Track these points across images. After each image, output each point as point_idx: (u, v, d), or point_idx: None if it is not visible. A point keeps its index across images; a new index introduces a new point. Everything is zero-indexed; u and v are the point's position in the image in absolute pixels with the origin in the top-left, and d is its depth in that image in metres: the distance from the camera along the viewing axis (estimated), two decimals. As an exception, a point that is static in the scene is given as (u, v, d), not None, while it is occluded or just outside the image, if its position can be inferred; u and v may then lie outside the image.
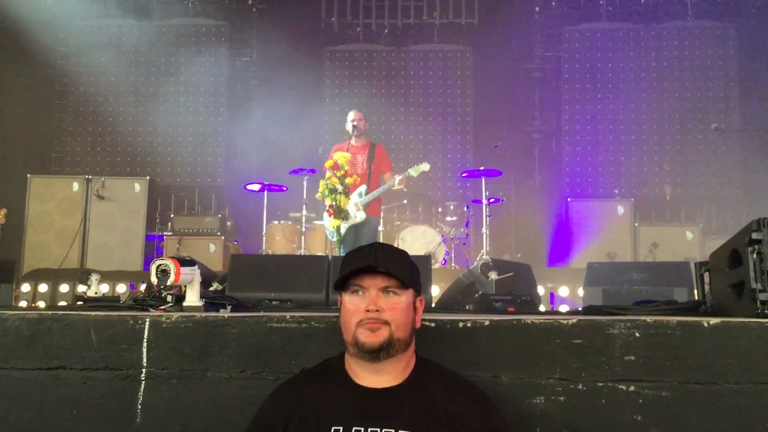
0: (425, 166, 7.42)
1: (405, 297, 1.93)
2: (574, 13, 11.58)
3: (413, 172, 7.39)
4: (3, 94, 10.08)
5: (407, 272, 1.96)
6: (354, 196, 7.12)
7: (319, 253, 8.84)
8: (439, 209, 9.94)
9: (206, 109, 11.18)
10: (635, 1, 11.47)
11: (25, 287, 7.84)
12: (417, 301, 2.00)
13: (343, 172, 6.76)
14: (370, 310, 1.87)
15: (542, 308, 5.88)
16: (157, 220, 10.01)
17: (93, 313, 2.36)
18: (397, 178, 7.29)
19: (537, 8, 11.73)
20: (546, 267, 9.66)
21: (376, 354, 1.86)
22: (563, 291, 7.65)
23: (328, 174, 6.91)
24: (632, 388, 2.06)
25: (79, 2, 11.32)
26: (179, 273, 2.58)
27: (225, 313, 2.59)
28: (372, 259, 1.91)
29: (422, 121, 11.39)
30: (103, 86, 11.11)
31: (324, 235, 8.13)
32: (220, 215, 10.14)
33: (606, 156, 10.88)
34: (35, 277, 8.04)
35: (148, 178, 9.58)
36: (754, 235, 2.18)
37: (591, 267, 5.59)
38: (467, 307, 4.39)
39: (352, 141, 7.47)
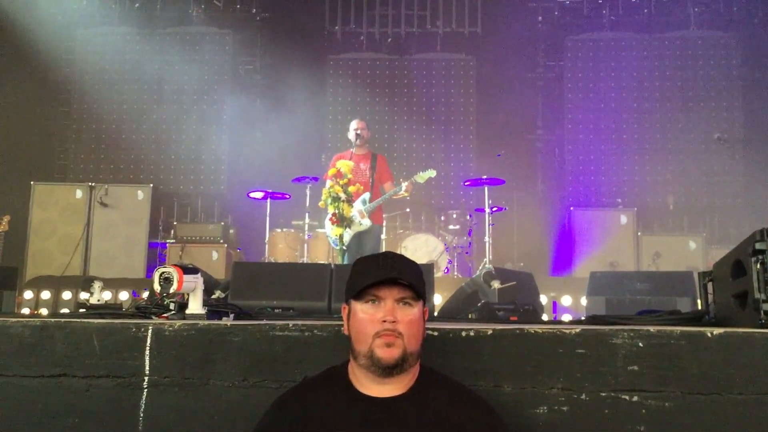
0: (432, 173, 7.41)
1: (417, 308, 1.94)
2: (577, 22, 11.60)
3: (419, 178, 7.37)
4: (7, 101, 10.12)
5: (421, 283, 1.97)
6: (358, 204, 7.12)
7: (322, 261, 8.84)
8: (442, 218, 9.94)
9: (209, 117, 11.20)
10: (638, 11, 11.49)
11: (28, 294, 7.84)
12: (423, 311, 2.00)
13: (346, 180, 6.77)
14: (387, 320, 1.87)
15: (545, 317, 5.87)
16: (160, 228, 10.02)
17: (96, 320, 2.36)
18: (404, 184, 7.28)
19: (540, 18, 11.75)
20: (549, 276, 9.66)
21: (390, 371, 1.86)
22: (566, 300, 7.64)
23: (330, 182, 6.91)
24: (635, 398, 2.05)
25: (83, 10, 11.39)
26: (182, 281, 2.58)
27: (227, 321, 2.59)
28: (395, 271, 1.92)
29: (425, 129, 11.40)
30: (106, 94, 11.14)
31: (327, 243, 8.14)
32: (222, 223, 10.15)
33: (609, 165, 10.88)
34: (38, 284, 8.04)
35: (151, 185, 9.60)
36: (758, 245, 2.17)
37: (594, 276, 5.58)
38: (470, 316, 4.38)
39: (354, 150, 7.48)
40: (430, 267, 4.88)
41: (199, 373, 2.23)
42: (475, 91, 11.60)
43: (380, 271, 1.92)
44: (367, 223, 7.20)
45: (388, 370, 1.86)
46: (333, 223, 6.91)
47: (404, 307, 1.91)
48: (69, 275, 8.66)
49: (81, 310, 3.53)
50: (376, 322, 1.88)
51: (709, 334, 2.06)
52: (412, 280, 1.92)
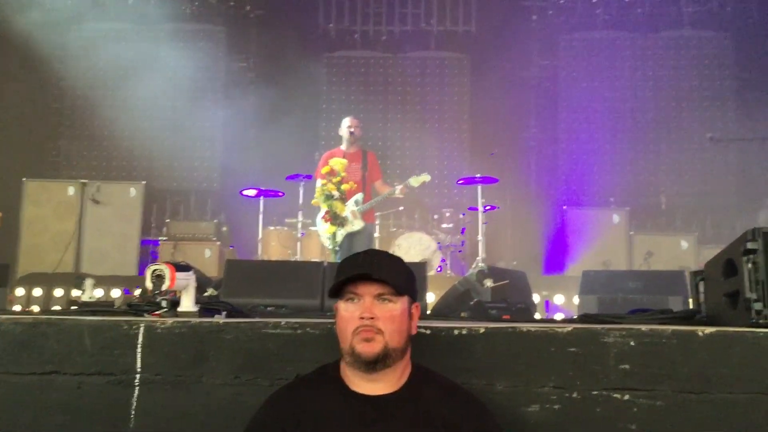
0: (426, 177, 7.34)
1: (400, 304, 1.93)
2: (571, 21, 11.62)
3: (414, 182, 7.32)
4: (-1, 97, 10.07)
5: (402, 279, 1.96)
6: (350, 204, 7.11)
7: (315, 260, 8.83)
8: (435, 216, 9.94)
9: (203, 114, 11.15)
10: (632, 10, 11.52)
11: (20, 291, 7.82)
12: (412, 308, 2.00)
13: (339, 178, 6.76)
14: (364, 317, 1.87)
15: (537, 316, 5.88)
16: (153, 225, 9.99)
17: (87, 317, 2.35)
18: (398, 188, 7.27)
19: (534, 16, 11.76)
20: (541, 275, 9.67)
21: (372, 366, 1.87)
22: (558, 299, 7.66)
23: (323, 180, 6.90)
24: (627, 396, 2.06)
25: (76, 6, 11.33)
26: (174, 278, 2.58)
27: (220, 318, 2.59)
28: (366, 267, 1.92)
29: (419, 127, 11.40)
30: (99, 90, 11.10)
31: (320, 242, 8.13)
32: (215, 220, 10.12)
33: (602, 164, 10.90)
34: (30, 281, 8.02)
35: (143, 182, 9.57)
36: (749, 245, 2.18)
37: (586, 275, 5.61)
38: (462, 315, 4.38)
39: (344, 147, 7.46)
40: (422, 265, 4.89)
41: (191, 371, 2.23)
42: (468, 90, 11.61)
43: (356, 269, 1.92)
44: (359, 224, 7.19)
45: (370, 365, 1.87)
46: (326, 221, 6.90)
47: (384, 303, 1.91)
48: (61, 272, 8.62)
49: (73, 308, 3.53)
50: (355, 320, 1.89)
51: (700, 333, 2.07)
52: (388, 275, 1.91)
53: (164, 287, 2.57)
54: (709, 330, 2.07)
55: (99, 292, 7.52)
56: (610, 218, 9.55)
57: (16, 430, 2.23)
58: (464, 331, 2.18)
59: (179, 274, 2.61)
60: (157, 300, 2.70)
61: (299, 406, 1.91)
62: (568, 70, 11.33)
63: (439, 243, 9.28)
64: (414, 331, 2.01)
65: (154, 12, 11.54)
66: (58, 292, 7.84)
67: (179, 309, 2.66)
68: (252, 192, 8.74)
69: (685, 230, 9.92)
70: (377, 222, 8.65)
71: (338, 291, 1.95)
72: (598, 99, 11.13)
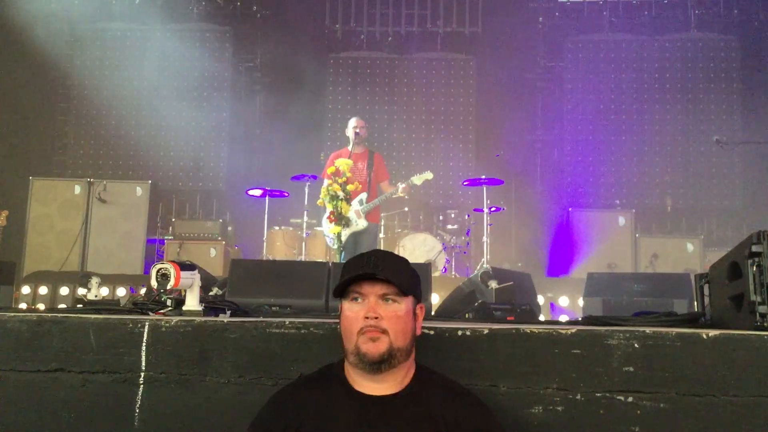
0: (428, 175, 7.40)
1: (404, 304, 1.93)
2: (578, 24, 11.62)
3: (416, 180, 7.37)
4: (6, 96, 10.10)
5: (406, 279, 1.95)
6: (355, 204, 7.11)
7: (320, 260, 8.84)
8: (440, 217, 9.95)
9: (209, 114, 11.20)
10: (638, 12, 11.51)
11: (26, 289, 7.84)
12: (417, 308, 2.00)
13: (344, 179, 6.76)
14: (369, 317, 1.87)
15: (542, 318, 5.87)
16: (158, 224, 10.01)
17: (92, 316, 2.36)
18: (401, 186, 7.28)
19: (540, 18, 11.76)
20: (546, 276, 9.65)
21: (377, 366, 1.86)
22: (563, 301, 7.64)
23: (329, 181, 6.91)
24: (630, 399, 2.06)
25: (84, 6, 11.37)
26: (179, 277, 2.58)
27: (224, 317, 2.59)
28: (371, 267, 1.91)
29: (424, 129, 11.42)
30: (106, 90, 11.14)
31: (324, 242, 8.14)
32: (221, 220, 10.15)
33: (607, 166, 10.90)
34: (35, 279, 8.04)
35: (149, 181, 9.58)
36: (754, 248, 2.18)
37: (591, 277, 5.60)
38: (467, 316, 4.38)
39: (351, 147, 7.47)
40: (427, 266, 4.87)
41: (196, 370, 2.23)
42: (474, 91, 11.61)
43: (361, 268, 1.92)
44: (363, 223, 7.21)
45: (375, 366, 1.86)
46: (331, 222, 6.90)
47: (388, 303, 1.91)
48: (67, 271, 8.64)
49: (78, 306, 3.54)
50: (360, 319, 1.88)
51: (704, 336, 2.06)
52: (393, 275, 1.91)
53: (169, 286, 2.57)
54: (713, 333, 2.07)
55: (104, 291, 7.56)
56: (616, 220, 9.52)
57: (22, 427, 2.24)
58: (468, 332, 2.18)
59: (184, 273, 2.62)
60: (162, 299, 2.71)
61: (303, 406, 1.91)
62: (574, 72, 11.32)
63: (444, 244, 9.28)
64: (419, 332, 2.01)
65: (161, 12, 11.57)
66: (64, 291, 7.86)
67: (184, 308, 2.66)
68: (257, 192, 8.75)
69: (691, 233, 9.91)
70: (382, 223, 8.65)
71: (343, 291, 1.95)
72: (604, 101, 11.11)
